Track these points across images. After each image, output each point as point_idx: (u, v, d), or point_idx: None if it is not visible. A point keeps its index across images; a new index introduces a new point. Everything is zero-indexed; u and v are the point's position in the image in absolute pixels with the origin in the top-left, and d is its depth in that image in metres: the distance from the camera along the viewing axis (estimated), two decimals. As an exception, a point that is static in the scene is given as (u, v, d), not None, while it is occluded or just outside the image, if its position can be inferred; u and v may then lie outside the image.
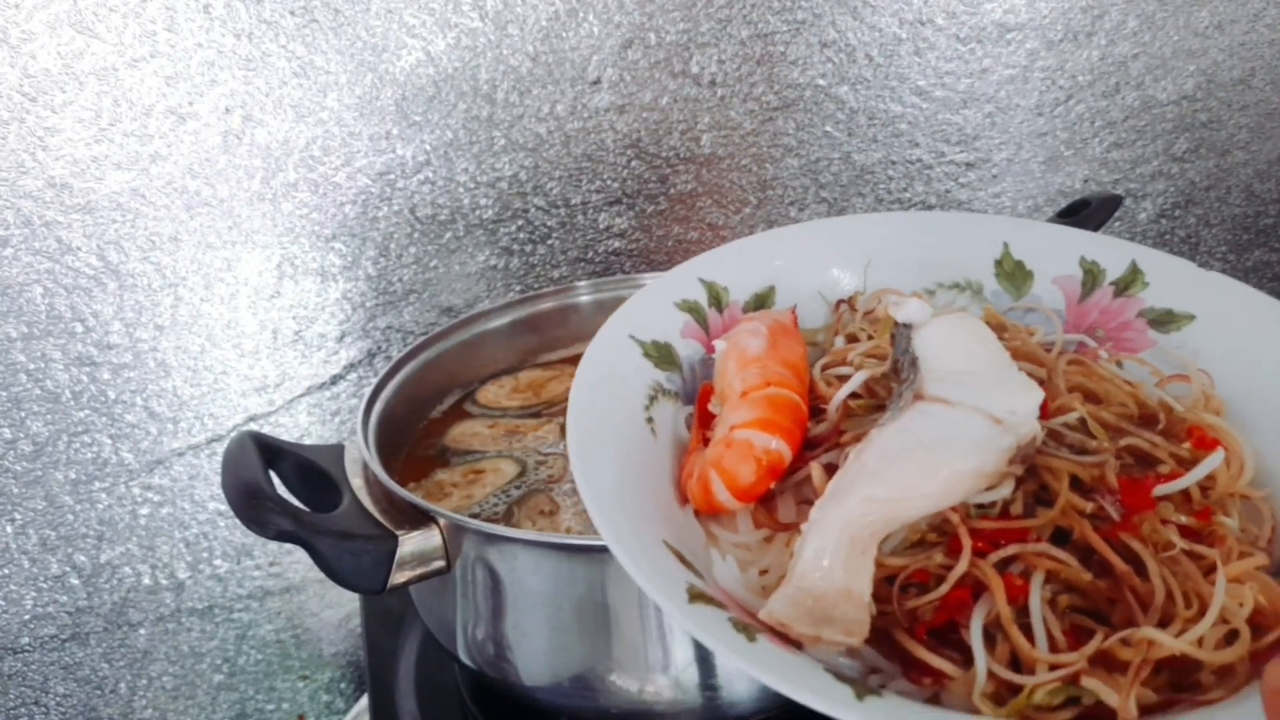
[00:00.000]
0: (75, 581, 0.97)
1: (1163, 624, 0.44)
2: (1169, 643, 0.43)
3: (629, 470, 0.52)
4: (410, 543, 0.63)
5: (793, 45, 0.99)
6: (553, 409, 0.86)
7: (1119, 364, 0.60)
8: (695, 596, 0.45)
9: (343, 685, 1.10)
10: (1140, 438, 0.51)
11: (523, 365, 0.92)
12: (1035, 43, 1.02)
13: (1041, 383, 0.55)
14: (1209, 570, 0.46)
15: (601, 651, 0.64)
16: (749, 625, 0.44)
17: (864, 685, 0.42)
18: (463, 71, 0.93)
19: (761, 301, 0.64)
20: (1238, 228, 1.15)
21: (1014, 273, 0.64)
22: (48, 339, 0.89)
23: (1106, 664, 0.43)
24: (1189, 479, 0.49)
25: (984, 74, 1.03)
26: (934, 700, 0.45)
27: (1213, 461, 0.50)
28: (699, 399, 0.59)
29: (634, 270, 1.05)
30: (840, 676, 0.42)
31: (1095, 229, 0.91)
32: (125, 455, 0.95)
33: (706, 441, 0.56)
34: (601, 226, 1.03)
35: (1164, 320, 0.61)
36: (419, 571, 0.64)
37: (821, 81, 1.01)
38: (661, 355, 0.59)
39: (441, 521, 0.64)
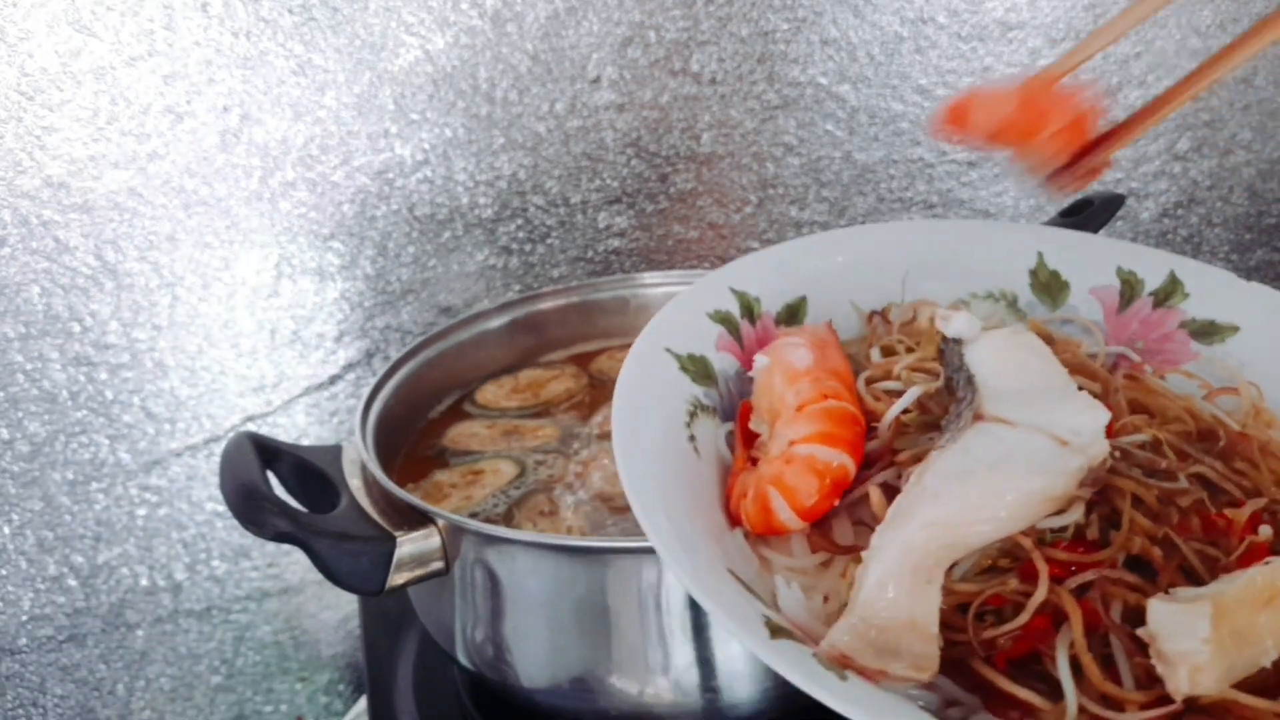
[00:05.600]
0: (73, 582, 0.96)
1: None
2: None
3: (680, 494, 0.51)
4: (409, 544, 0.63)
5: (793, 43, 0.99)
6: (552, 409, 0.86)
7: (1162, 378, 0.58)
8: (775, 631, 0.43)
9: (341, 687, 1.09)
10: (1207, 466, 0.50)
11: (522, 365, 0.92)
12: (1037, 41, 1.02)
13: (1099, 399, 0.53)
14: None
15: (601, 653, 0.64)
16: (837, 662, 0.43)
17: None
18: (461, 70, 0.93)
19: (793, 312, 0.62)
20: (1240, 227, 1.14)
21: (1049, 283, 0.62)
22: (45, 339, 0.89)
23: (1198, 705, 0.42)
24: None
25: (986, 72, 1.02)
26: None
27: None
28: (740, 417, 0.57)
29: (634, 269, 1.04)
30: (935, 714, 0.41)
31: (1097, 229, 0.91)
32: (123, 456, 0.94)
33: (754, 462, 0.54)
34: (601, 225, 1.03)
35: (1207, 331, 0.60)
36: (417, 573, 0.64)
37: (823, 80, 1.01)
38: (698, 370, 0.58)
39: (440, 522, 0.64)
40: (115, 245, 0.89)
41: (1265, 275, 1.18)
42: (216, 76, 0.87)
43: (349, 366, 0.99)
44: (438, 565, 0.64)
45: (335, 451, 0.73)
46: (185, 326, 0.93)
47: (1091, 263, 0.62)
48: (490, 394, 0.88)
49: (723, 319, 0.60)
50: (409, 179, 0.95)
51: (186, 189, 0.89)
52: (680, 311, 0.59)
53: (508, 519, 0.72)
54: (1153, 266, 0.62)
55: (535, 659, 0.66)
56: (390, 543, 0.62)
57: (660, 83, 0.98)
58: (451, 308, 1.01)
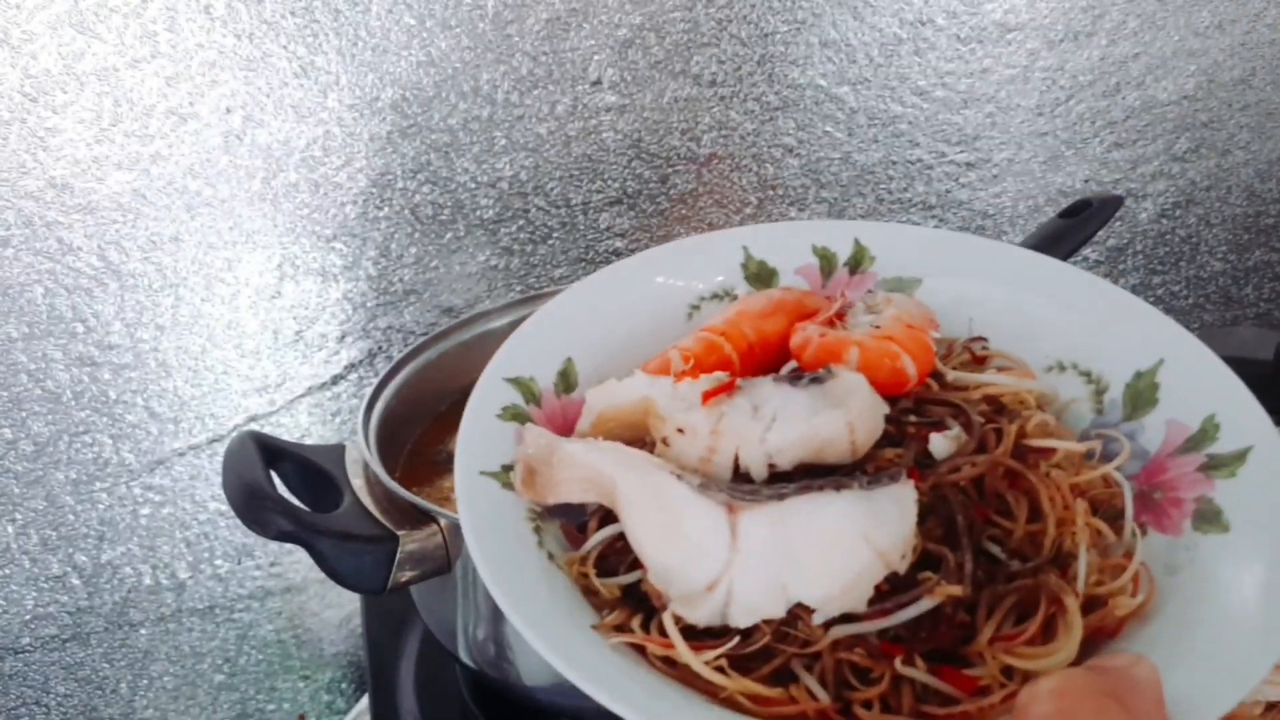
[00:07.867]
0: (76, 581, 0.97)
1: None
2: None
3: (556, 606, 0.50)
4: (411, 543, 0.63)
5: (793, 45, 0.99)
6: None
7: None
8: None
9: (343, 685, 1.10)
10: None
11: (523, 365, 0.92)
12: (1036, 42, 1.02)
13: None
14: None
15: (602, 651, 0.64)
16: None
17: None
18: (463, 72, 0.93)
19: (566, 378, 0.61)
20: (1238, 228, 1.15)
21: (759, 272, 0.66)
22: (49, 339, 0.89)
23: None
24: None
25: (984, 74, 1.03)
26: None
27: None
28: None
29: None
30: None
31: (1096, 229, 0.91)
32: (126, 455, 0.95)
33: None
34: (602, 226, 1.03)
35: (896, 289, 0.63)
36: (420, 571, 0.64)
37: (822, 81, 1.01)
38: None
39: (442, 521, 0.64)
40: (119, 246, 0.89)
41: (1263, 275, 1.18)
42: (219, 78, 0.87)
43: (352, 366, 1.00)
44: (440, 564, 0.65)
45: (338, 451, 0.73)
46: (189, 327, 0.93)
47: (791, 247, 0.66)
48: (492, 394, 0.88)
49: (514, 415, 0.58)
50: (411, 180, 0.95)
51: (190, 190, 0.90)
52: (474, 425, 0.56)
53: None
54: (841, 238, 0.65)
55: (536, 657, 0.66)
56: (393, 542, 0.63)
57: (661, 84, 0.98)
58: (453, 308, 1.01)
